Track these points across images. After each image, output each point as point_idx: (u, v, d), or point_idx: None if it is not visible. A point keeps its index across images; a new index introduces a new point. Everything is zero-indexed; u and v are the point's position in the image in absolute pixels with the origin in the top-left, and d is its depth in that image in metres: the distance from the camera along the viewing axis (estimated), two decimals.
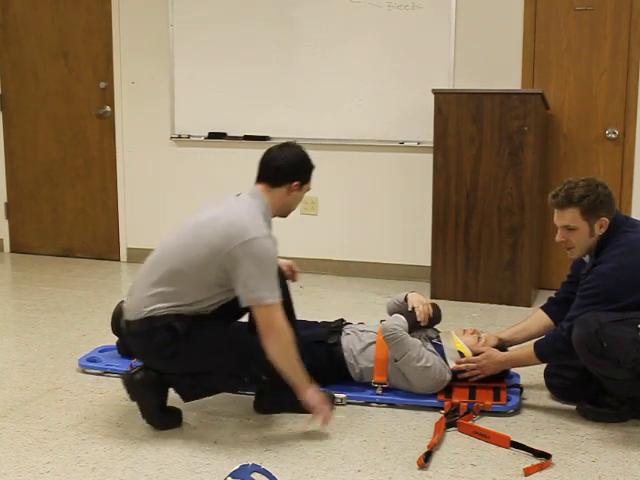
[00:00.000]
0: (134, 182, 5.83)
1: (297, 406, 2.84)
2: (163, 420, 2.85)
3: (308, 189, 2.98)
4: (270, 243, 2.72)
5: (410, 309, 3.21)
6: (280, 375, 2.71)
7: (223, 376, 2.83)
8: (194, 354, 2.78)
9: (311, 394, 2.75)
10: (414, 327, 3.15)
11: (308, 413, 2.78)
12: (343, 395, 3.06)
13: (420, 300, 3.25)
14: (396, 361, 3.04)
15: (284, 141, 3.07)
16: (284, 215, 2.97)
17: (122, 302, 3.17)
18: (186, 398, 2.89)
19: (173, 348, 2.75)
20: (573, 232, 2.96)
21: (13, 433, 2.80)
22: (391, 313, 3.26)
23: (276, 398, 2.92)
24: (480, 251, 4.67)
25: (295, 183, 2.89)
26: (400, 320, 3.06)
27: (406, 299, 3.27)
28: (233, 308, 2.85)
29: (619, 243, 2.89)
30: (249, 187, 2.93)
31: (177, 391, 2.88)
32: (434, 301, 3.34)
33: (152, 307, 2.75)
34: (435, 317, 3.27)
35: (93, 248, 6.02)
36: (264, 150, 2.99)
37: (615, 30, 4.75)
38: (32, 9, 5.88)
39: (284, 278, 2.93)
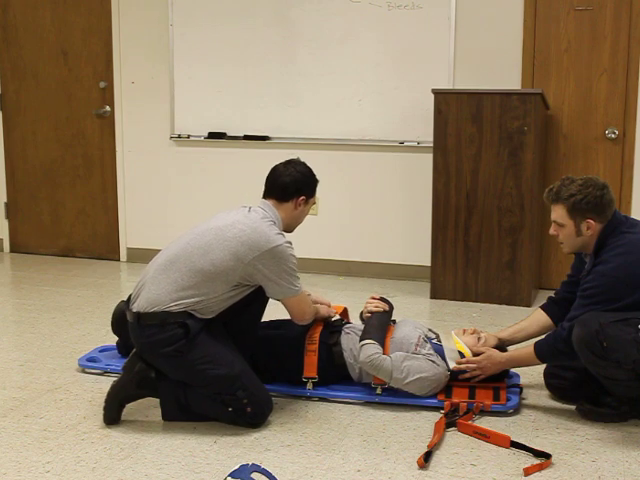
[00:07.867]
0: (134, 182, 5.83)
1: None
2: (113, 412, 2.87)
3: (314, 203, 3.19)
4: (290, 248, 2.92)
5: (366, 316, 3.29)
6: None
7: (210, 396, 2.83)
8: (195, 358, 2.80)
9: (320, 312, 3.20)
10: (385, 324, 3.21)
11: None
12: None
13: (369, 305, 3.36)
14: (389, 384, 3.04)
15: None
16: (290, 230, 3.14)
17: (122, 302, 3.16)
18: (167, 415, 2.90)
19: (180, 346, 2.79)
20: (562, 228, 2.99)
21: (13, 433, 2.80)
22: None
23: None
24: (480, 251, 4.67)
25: (301, 198, 3.08)
26: (372, 348, 3.03)
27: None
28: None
29: (619, 243, 2.90)
30: (259, 201, 3.08)
31: (162, 404, 2.90)
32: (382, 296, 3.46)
33: (171, 302, 2.81)
34: (383, 300, 3.38)
35: (93, 248, 6.02)
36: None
37: (615, 30, 4.75)
38: (32, 9, 5.88)
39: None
